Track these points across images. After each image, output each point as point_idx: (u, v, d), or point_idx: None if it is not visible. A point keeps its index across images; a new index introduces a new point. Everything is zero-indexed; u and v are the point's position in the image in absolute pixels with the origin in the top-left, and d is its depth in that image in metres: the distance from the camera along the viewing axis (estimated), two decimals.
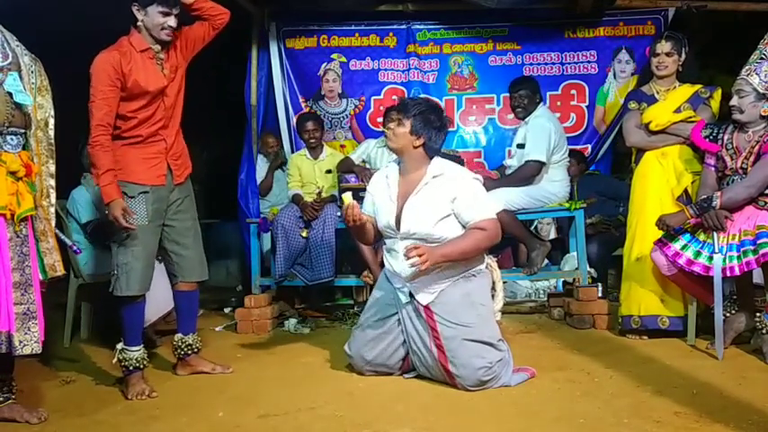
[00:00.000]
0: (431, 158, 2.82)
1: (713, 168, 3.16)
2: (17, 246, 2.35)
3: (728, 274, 2.93)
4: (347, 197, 2.75)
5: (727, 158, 3.09)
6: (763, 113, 3.00)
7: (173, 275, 3.02)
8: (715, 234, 2.99)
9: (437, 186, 2.75)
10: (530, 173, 4.01)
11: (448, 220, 2.73)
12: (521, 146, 4.11)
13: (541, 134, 3.98)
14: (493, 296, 2.91)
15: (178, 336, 3.06)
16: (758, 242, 2.84)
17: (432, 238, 2.72)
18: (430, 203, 2.73)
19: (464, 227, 2.73)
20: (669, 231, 3.12)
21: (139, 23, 2.78)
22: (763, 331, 2.87)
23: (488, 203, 2.80)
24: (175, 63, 2.89)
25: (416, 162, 2.81)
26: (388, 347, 2.85)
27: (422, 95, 5.23)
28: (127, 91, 2.73)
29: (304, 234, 4.24)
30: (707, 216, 3.00)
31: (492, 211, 2.77)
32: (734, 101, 3.04)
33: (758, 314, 2.94)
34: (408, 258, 2.56)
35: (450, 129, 5.27)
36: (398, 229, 2.79)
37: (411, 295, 2.78)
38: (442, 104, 5.29)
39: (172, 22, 2.77)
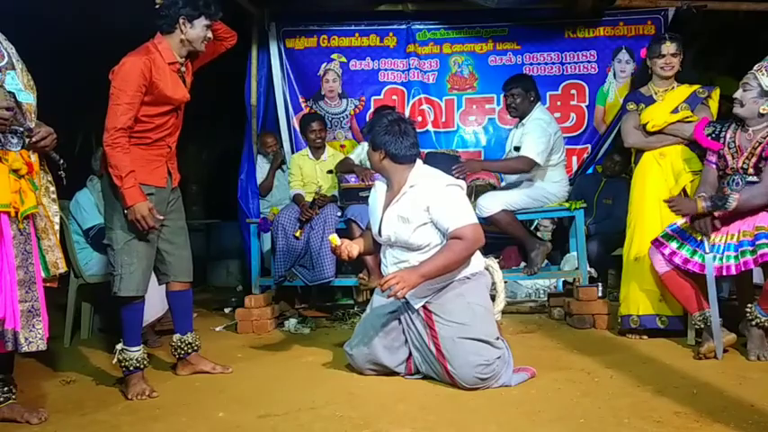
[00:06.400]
0: (402, 165, 2.80)
1: (714, 166, 3.17)
2: (21, 243, 2.35)
3: (725, 273, 2.95)
4: (334, 238, 2.90)
5: (729, 157, 3.09)
6: (761, 111, 2.99)
7: (163, 275, 3.03)
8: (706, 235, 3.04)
9: (414, 195, 2.76)
10: (520, 166, 3.96)
11: (426, 227, 2.73)
12: (517, 148, 4.08)
13: (540, 135, 3.96)
14: (493, 297, 2.92)
15: (176, 336, 3.06)
16: (757, 243, 2.85)
17: (413, 246, 2.75)
18: (407, 212, 2.74)
19: (444, 234, 2.72)
20: (680, 214, 3.17)
21: (183, 36, 2.82)
22: (753, 322, 2.90)
23: (465, 210, 2.73)
24: (191, 76, 2.99)
25: (393, 174, 2.84)
26: (390, 347, 2.85)
27: (421, 94, 5.26)
28: (150, 98, 2.76)
29: (297, 234, 4.23)
30: (697, 223, 3.07)
31: (470, 217, 2.71)
32: (738, 93, 3.05)
33: (749, 305, 2.96)
34: (383, 291, 2.60)
35: (451, 129, 5.30)
36: (381, 236, 2.84)
37: (405, 299, 2.79)
38: (442, 104, 5.31)
39: (211, 34, 2.91)
